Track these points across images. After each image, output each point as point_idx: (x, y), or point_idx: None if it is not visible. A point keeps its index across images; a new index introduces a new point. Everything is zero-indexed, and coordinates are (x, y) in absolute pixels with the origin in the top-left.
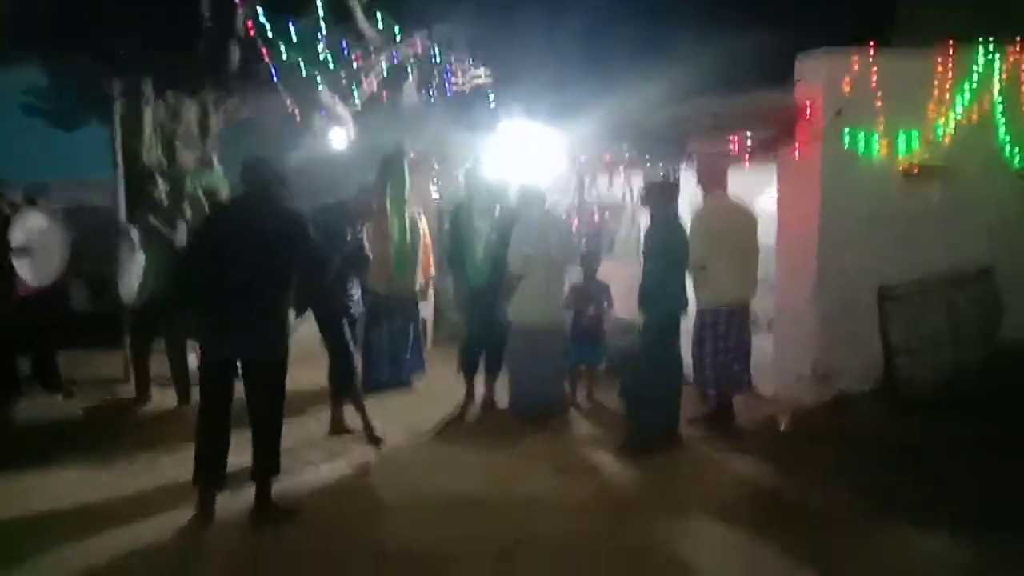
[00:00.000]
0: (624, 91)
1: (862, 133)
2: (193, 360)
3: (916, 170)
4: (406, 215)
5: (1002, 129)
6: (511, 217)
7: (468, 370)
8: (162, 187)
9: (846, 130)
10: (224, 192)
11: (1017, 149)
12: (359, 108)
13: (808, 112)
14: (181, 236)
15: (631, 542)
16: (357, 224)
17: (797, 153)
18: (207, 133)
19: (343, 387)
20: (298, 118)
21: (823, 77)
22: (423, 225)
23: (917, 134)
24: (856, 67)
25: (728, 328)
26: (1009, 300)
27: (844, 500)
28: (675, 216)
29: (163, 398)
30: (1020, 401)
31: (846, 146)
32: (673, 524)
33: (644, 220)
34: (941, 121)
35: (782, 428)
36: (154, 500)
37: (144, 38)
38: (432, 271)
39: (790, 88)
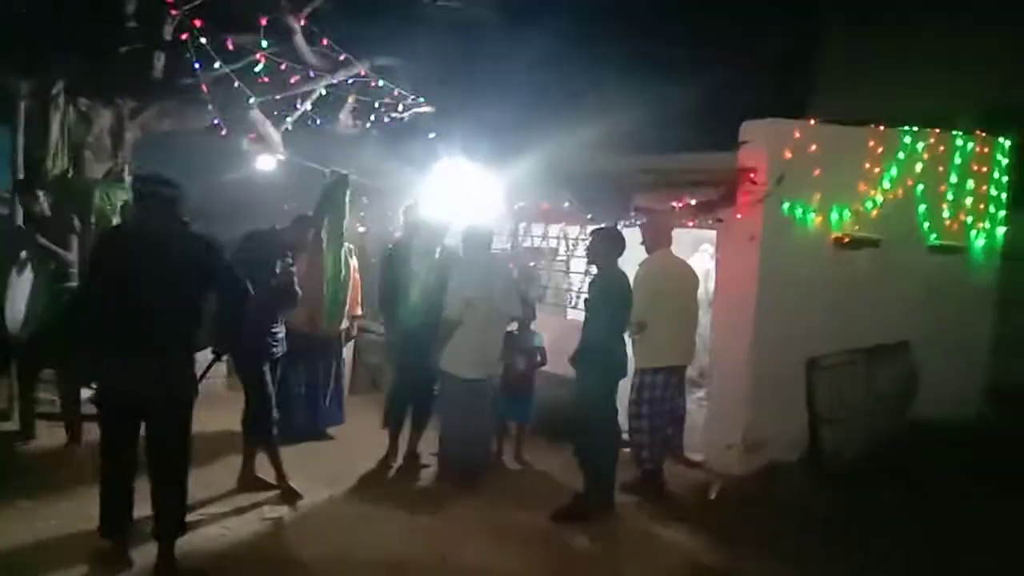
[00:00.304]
0: (567, 139)
1: (800, 201)
2: (86, 393)
3: (846, 240)
4: (342, 250)
5: (921, 207)
6: (451, 259)
7: (395, 422)
8: (44, 200)
9: (785, 197)
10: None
11: (930, 227)
12: (290, 130)
13: (752, 176)
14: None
15: None
16: (288, 255)
17: (739, 215)
18: (120, 144)
19: (259, 436)
20: (223, 134)
21: (768, 143)
22: (353, 262)
23: (849, 206)
24: (798, 136)
25: (665, 391)
26: (923, 373)
27: (778, 572)
28: (620, 270)
29: (50, 436)
30: (936, 471)
31: (784, 212)
32: None
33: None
34: (871, 195)
35: (712, 496)
36: (50, 551)
37: (58, 37)
38: (359, 311)
39: (733, 151)
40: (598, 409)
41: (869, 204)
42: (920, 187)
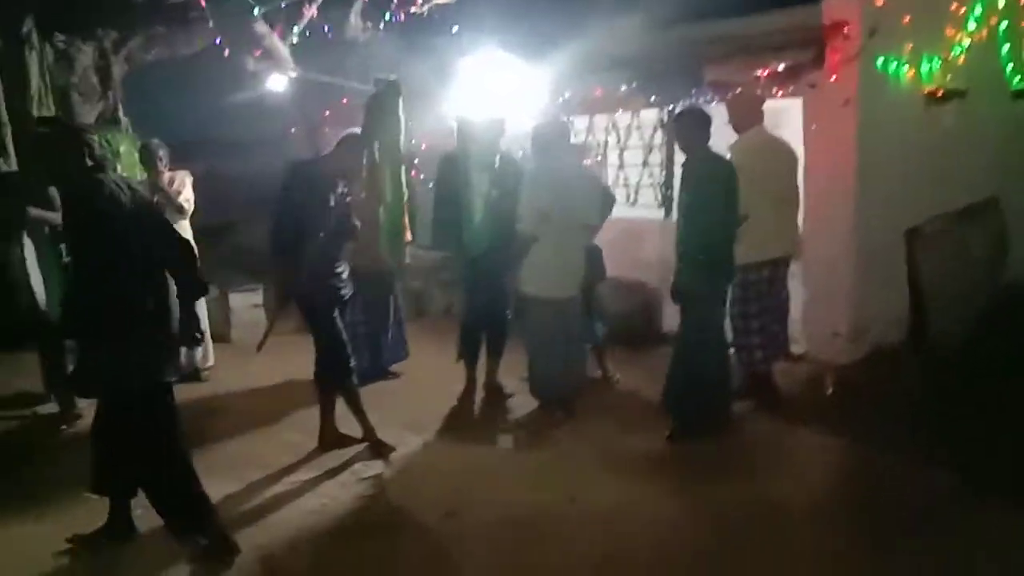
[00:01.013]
0: (618, 12)
1: (892, 55)
2: None
3: (940, 94)
4: (401, 171)
5: (1005, 47)
6: (515, 166)
7: (471, 353)
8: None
9: (878, 52)
10: (134, 152)
11: (1014, 69)
12: (295, 43)
13: (845, 30)
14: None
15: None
16: (341, 186)
17: (833, 79)
18: (109, 81)
19: (337, 385)
20: (225, 55)
21: None
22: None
23: (939, 54)
24: None
25: (771, 286)
26: (1013, 231)
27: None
28: (719, 153)
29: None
30: None
31: (878, 69)
32: (789, 531)
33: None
34: (958, 39)
35: (829, 391)
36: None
37: None
38: (409, 236)
39: (814, 4)
40: (711, 325)
41: (956, 50)
42: (1004, 24)
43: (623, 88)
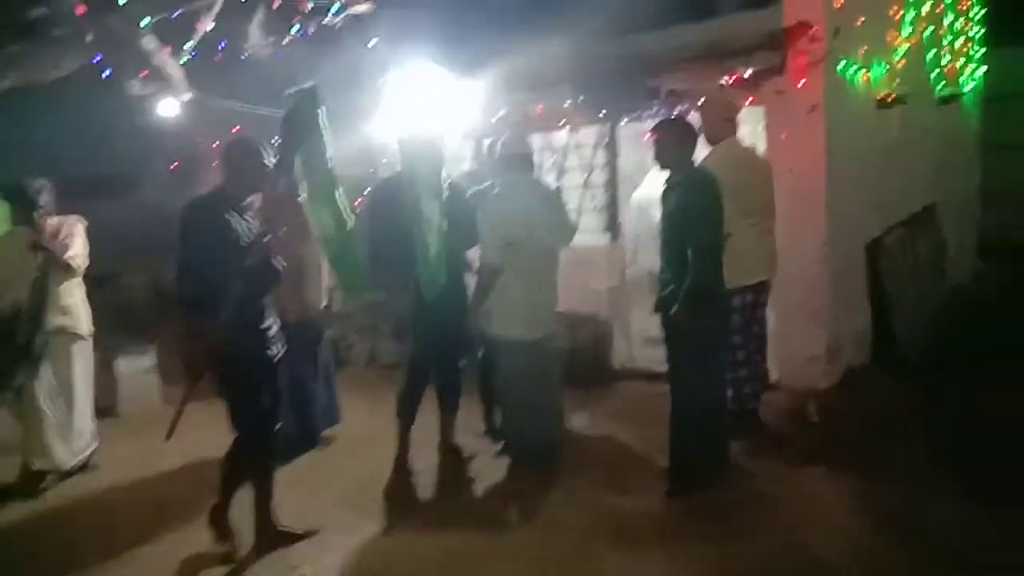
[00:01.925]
0: (560, 24)
1: (850, 58)
2: None
3: (891, 99)
4: (336, 192)
5: (930, 54)
6: (461, 195)
7: (407, 413)
8: None
9: (840, 55)
10: None
11: (937, 75)
12: (188, 61)
13: (812, 31)
14: None
15: None
16: (252, 219)
17: (801, 84)
18: None
19: (259, 465)
20: (106, 75)
21: None
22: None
23: (884, 58)
24: None
25: (754, 312)
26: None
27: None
28: (705, 169)
29: None
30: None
31: (839, 73)
32: None
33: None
34: (897, 43)
35: (814, 420)
36: None
37: None
38: (330, 281)
39: (770, 7)
40: (714, 360)
41: (896, 54)
42: (928, 30)
43: (567, 103)
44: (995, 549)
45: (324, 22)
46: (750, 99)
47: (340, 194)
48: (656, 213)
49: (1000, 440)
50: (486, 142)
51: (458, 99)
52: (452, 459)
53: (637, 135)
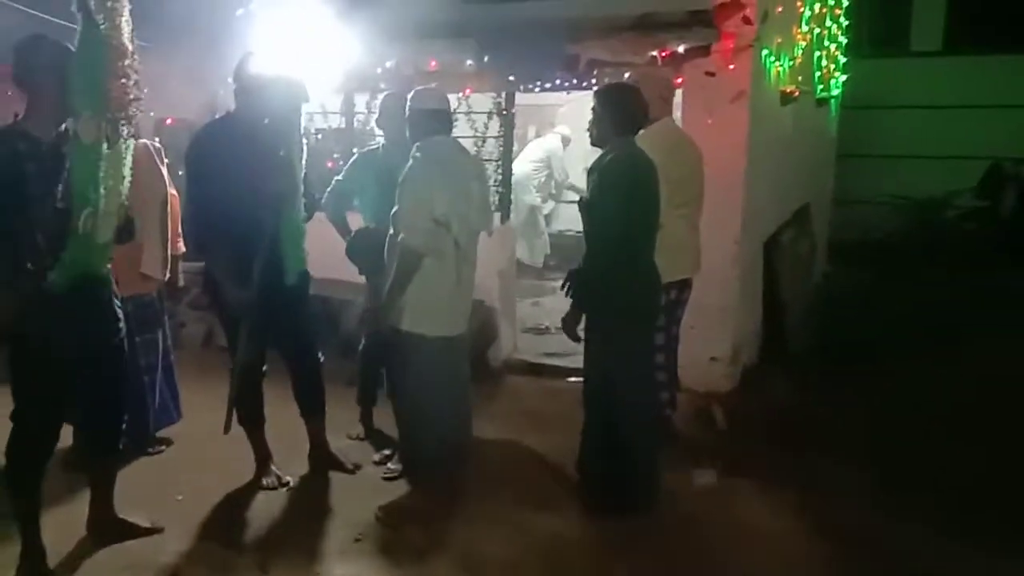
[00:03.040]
0: None
1: (768, 47)
2: None
3: (796, 94)
4: (104, 137)
5: (816, 54)
6: (375, 154)
7: (254, 413)
8: None
9: (764, 43)
10: None
11: (818, 77)
12: None
13: (747, 13)
14: None
15: None
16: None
17: (731, 66)
18: None
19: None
20: None
21: None
22: (161, 168)
23: (789, 52)
24: None
25: (675, 312)
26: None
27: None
28: (638, 150)
29: None
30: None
31: (761, 62)
32: None
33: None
34: (798, 39)
35: (722, 426)
36: None
37: None
38: (180, 245)
39: None
40: (642, 361)
41: (797, 50)
42: (817, 30)
43: (468, 63)
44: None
45: None
46: (680, 79)
47: (119, 142)
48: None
49: (902, 433)
50: (376, 96)
51: (330, 42)
52: (328, 469)
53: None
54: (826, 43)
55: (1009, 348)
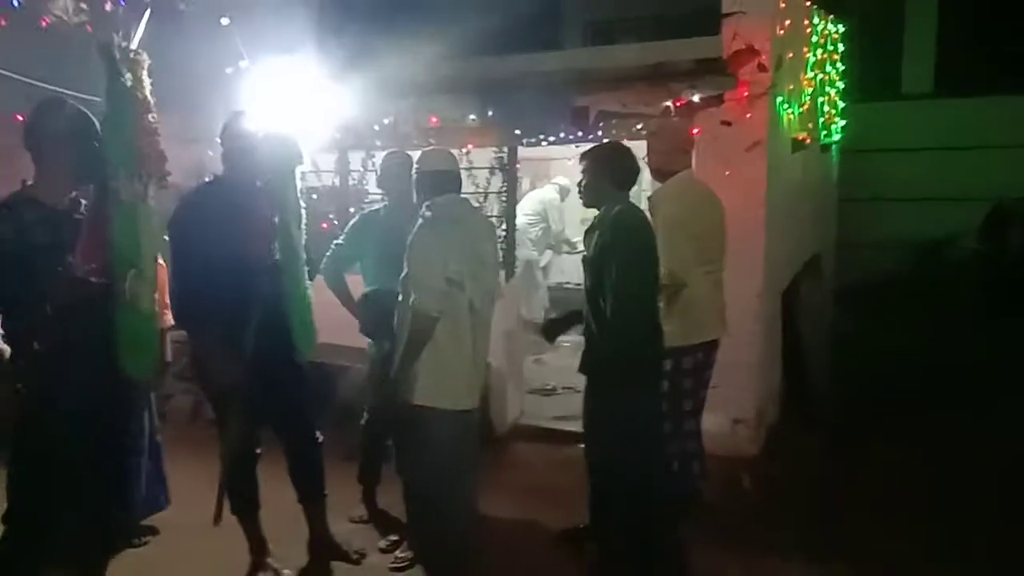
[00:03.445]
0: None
1: (783, 94)
2: None
3: (808, 141)
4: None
5: (820, 99)
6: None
7: (247, 501)
8: None
9: (778, 89)
10: None
11: (823, 123)
12: None
13: (762, 59)
14: None
15: None
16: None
17: (748, 115)
18: None
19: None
20: None
21: (769, 13)
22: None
23: (798, 99)
24: (783, 6)
25: (707, 372)
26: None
27: None
28: (633, 208)
29: None
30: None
31: (776, 109)
32: None
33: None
34: (804, 85)
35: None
36: None
37: None
38: (168, 316)
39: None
40: (651, 423)
41: (805, 96)
42: (819, 76)
43: (470, 118)
44: None
45: None
46: (696, 129)
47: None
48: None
49: (944, 496)
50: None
51: (324, 99)
52: (330, 559)
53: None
54: (827, 88)
55: None
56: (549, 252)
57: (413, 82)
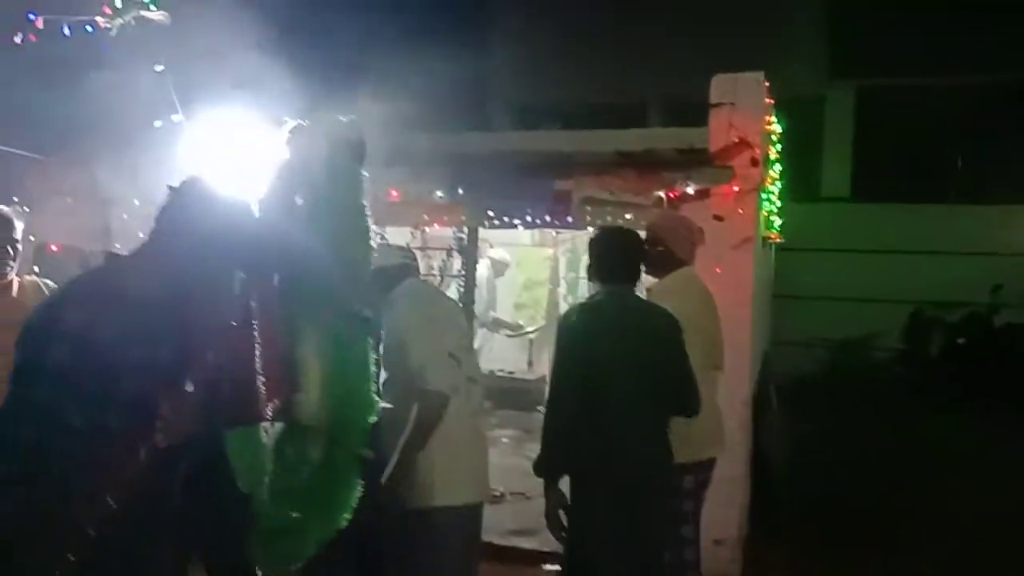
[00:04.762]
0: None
1: (766, 188)
2: None
3: (777, 239)
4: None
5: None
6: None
7: None
8: None
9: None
10: None
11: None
12: None
13: (755, 152)
14: None
15: None
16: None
17: (740, 209)
18: None
19: None
20: None
21: (757, 107)
22: None
23: (770, 195)
24: (769, 101)
25: (703, 492)
26: None
27: None
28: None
29: None
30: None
31: (760, 203)
32: None
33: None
34: (770, 181)
35: None
36: None
37: None
38: None
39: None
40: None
41: (769, 192)
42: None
43: (437, 194)
44: None
45: (93, 26)
46: None
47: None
48: None
49: None
50: None
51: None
52: None
53: None
54: (775, 186)
55: (977, 499)
56: (482, 331)
57: (373, 150)
